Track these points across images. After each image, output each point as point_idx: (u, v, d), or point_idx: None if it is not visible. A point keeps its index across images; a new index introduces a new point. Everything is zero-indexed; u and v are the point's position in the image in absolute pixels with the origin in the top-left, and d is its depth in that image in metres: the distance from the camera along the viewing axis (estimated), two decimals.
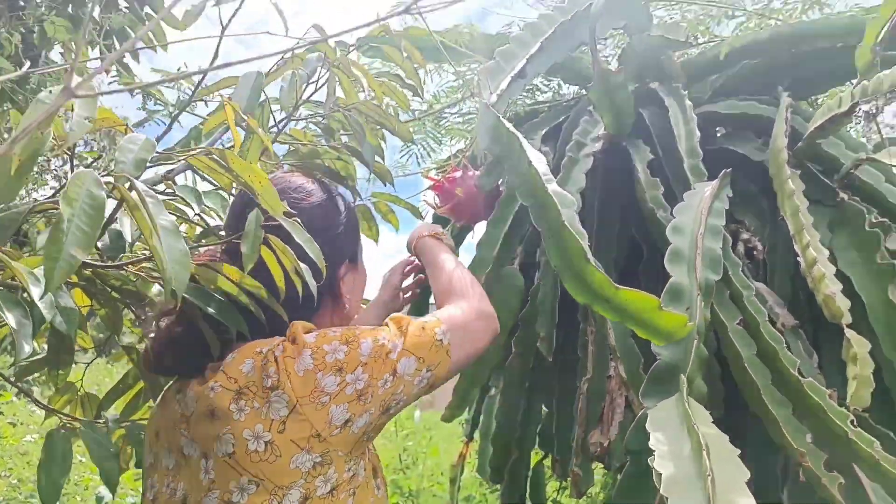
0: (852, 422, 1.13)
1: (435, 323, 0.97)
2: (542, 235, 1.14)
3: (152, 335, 1.01)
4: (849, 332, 1.18)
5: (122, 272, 1.14)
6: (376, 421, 0.90)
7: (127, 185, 0.68)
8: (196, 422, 0.87)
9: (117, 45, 2.03)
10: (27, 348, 0.69)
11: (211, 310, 0.86)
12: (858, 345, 1.16)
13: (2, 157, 0.45)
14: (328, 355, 0.85)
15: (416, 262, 1.41)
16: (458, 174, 1.67)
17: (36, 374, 1.32)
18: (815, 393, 1.15)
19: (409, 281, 1.50)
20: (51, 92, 0.61)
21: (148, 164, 0.85)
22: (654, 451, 0.93)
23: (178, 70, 1.66)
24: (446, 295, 1.11)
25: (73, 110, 0.66)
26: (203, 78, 1.13)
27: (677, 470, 0.86)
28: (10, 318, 0.70)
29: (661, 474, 0.86)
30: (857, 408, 1.17)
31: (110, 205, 0.79)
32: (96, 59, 2.00)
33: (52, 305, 0.71)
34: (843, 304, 1.21)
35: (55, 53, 2.14)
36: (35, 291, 0.69)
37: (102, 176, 0.66)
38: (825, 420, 1.13)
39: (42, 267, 0.86)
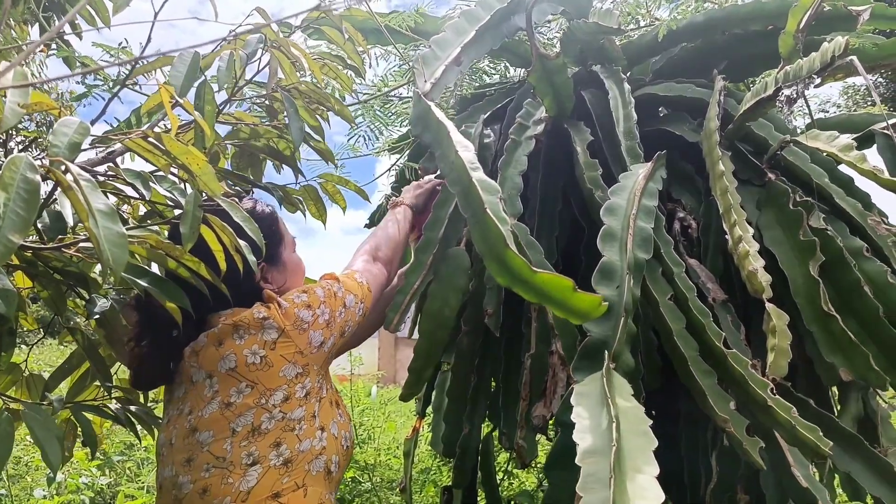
0: (772, 390, 1.20)
1: (351, 273, 1.33)
2: (468, 221, 1.17)
3: (126, 357, 1.22)
4: (769, 306, 1.25)
5: (65, 254, 1.14)
6: (338, 341, 1.24)
7: (62, 168, 0.69)
8: (205, 350, 1.12)
9: (57, 21, 1.98)
10: None
11: (147, 285, 0.88)
12: (777, 317, 1.22)
13: None
14: (296, 298, 1.17)
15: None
16: None
17: None
18: (738, 363, 1.22)
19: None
20: None
21: (86, 146, 0.86)
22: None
23: (119, 45, 1.64)
24: (361, 249, 1.45)
25: (5, 96, 0.67)
26: (142, 53, 1.13)
27: (594, 441, 0.91)
28: None
29: (578, 445, 0.91)
30: (776, 377, 1.24)
31: (47, 187, 0.80)
32: (36, 41, 1.95)
33: None
34: (765, 279, 1.27)
35: None
36: None
37: (38, 159, 0.67)
38: (746, 388, 1.20)
39: None
